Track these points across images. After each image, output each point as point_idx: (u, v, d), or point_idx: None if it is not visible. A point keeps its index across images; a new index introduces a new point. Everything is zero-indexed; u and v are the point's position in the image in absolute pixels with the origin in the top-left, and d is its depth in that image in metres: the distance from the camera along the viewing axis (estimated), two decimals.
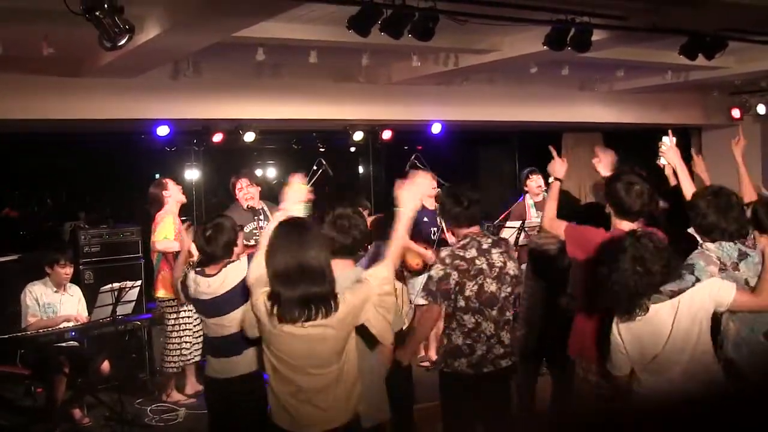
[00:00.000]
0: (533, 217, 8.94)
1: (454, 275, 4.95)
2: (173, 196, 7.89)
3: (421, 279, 8.64)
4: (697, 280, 4.11)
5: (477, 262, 4.98)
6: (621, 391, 4.15)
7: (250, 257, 4.69)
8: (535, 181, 9.17)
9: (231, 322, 4.77)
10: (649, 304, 3.91)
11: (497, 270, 5.02)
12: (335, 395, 3.82)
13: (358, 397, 3.93)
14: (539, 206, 8.96)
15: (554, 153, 5.47)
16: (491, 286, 4.99)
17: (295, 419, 3.83)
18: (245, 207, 8.00)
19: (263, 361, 3.98)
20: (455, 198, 5.09)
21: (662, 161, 5.69)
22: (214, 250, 4.96)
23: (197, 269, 5.05)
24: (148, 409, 7.57)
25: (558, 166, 5.40)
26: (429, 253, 8.56)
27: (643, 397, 4.01)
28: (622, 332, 4.00)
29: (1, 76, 8.14)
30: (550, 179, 5.42)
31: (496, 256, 5.05)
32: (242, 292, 4.45)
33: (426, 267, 8.67)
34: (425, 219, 8.66)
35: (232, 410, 4.90)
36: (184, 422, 7.29)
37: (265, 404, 4.10)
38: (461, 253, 4.99)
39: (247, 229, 7.57)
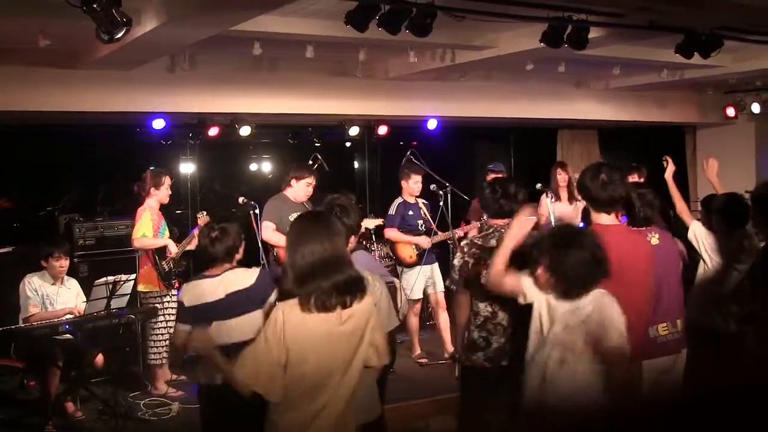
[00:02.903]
0: (550, 213, 8.96)
1: (471, 262, 4.88)
2: (160, 195, 7.90)
3: (416, 272, 8.69)
4: None
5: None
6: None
7: (262, 271, 4.83)
8: (562, 176, 9.43)
9: (236, 328, 4.77)
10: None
11: None
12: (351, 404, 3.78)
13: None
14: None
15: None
16: None
17: None
18: (294, 200, 7.75)
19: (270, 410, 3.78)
20: (491, 188, 5.08)
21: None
22: (216, 252, 5.12)
23: (198, 275, 5.12)
24: (142, 402, 7.57)
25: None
26: (422, 238, 8.67)
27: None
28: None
29: None
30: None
31: None
32: (248, 301, 4.53)
33: (420, 259, 8.72)
34: (410, 212, 8.78)
35: (227, 416, 4.86)
36: (177, 416, 7.29)
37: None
38: (479, 242, 4.94)
39: (291, 218, 7.44)
